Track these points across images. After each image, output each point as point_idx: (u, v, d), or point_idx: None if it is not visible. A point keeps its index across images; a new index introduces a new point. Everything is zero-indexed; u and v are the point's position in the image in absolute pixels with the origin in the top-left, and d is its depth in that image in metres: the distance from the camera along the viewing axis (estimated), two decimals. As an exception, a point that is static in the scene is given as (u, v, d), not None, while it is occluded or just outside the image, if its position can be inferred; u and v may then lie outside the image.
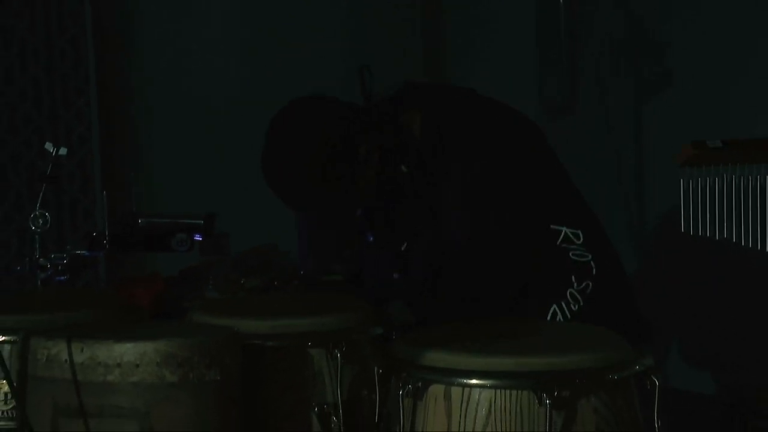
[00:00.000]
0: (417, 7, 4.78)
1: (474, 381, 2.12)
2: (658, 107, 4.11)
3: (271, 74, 4.43)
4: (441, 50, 4.82)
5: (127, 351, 2.18)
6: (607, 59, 4.28)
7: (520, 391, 2.10)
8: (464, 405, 2.12)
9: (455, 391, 2.13)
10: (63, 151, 2.89)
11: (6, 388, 2.38)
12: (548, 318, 2.63)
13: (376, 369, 2.25)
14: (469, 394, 2.12)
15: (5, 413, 2.42)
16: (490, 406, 2.11)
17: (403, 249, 2.82)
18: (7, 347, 2.37)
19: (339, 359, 2.39)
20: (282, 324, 2.47)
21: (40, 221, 2.80)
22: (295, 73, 4.43)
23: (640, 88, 4.16)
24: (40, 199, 2.83)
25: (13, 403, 2.35)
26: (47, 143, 2.89)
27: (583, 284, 2.65)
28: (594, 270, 2.65)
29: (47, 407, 2.21)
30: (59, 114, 4.26)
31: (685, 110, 3.93)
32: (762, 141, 2.36)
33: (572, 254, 2.66)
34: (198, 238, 3.15)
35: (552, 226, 2.67)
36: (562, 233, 2.67)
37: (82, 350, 2.19)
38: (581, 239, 2.66)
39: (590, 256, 2.66)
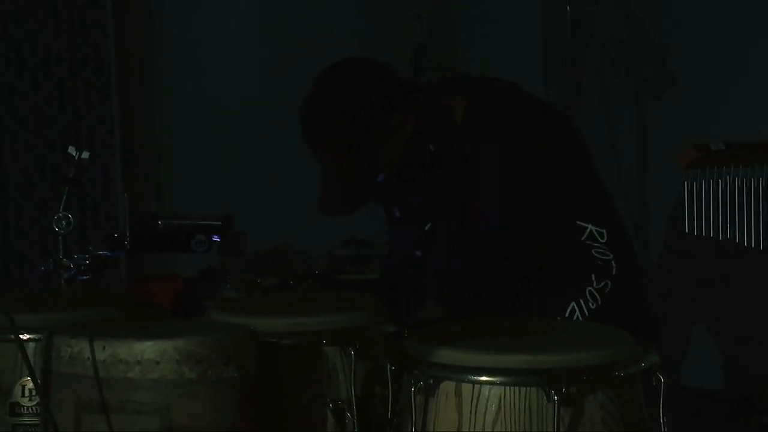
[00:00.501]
0: (425, 7, 4.76)
1: (484, 378, 2.11)
2: (660, 108, 4.10)
3: (286, 77, 4.42)
4: (448, 50, 4.81)
5: (147, 349, 2.18)
6: (610, 61, 4.26)
7: (528, 388, 2.09)
8: (474, 401, 2.11)
9: (465, 388, 2.12)
10: (85, 154, 2.88)
11: (31, 384, 2.37)
12: (566, 314, 2.62)
13: (388, 366, 2.24)
14: (479, 390, 2.11)
15: (30, 409, 2.41)
16: (500, 402, 2.10)
17: (426, 228, 2.79)
18: (31, 345, 2.36)
19: (353, 357, 2.38)
20: (297, 322, 2.46)
21: (64, 223, 2.80)
22: (308, 74, 4.42)
23: (642, 89, 4.14)
24: (63, 201, 2.82)
25: (38, 399, 2.35)
26: (70, 147, 2.88)
27: (603, 283, 2.63)
28: (614, 270, 2.63)
29: (70, 403, 2.21)
30: (82, 118, 4.25)
31: (686, 111, 3.92)
32: (764, 143, 2.35)
33: (595, 251, 2.64)
34: (216, 238, 3.14)
35: (578, 222, 2.65)
36: (588, 230, 2.65)
37: (103, 348, 2.19)
38: (605, 238, 2.64)
39: (611, 256, 2.64)
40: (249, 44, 4.47)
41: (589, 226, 2.65)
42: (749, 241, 2.31)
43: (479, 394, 2.11)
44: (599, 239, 2.64)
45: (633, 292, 2.73)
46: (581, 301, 2.62)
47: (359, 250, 3.75)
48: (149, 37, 4.40)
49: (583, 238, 2.64)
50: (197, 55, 4.41)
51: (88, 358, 2.19)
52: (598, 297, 2.62)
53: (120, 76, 4.30)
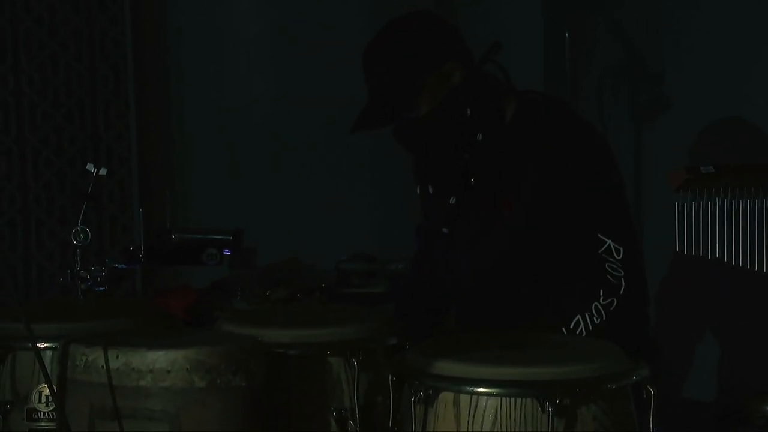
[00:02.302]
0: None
1: (481, 389, 2.10)
2: (654, 132, 4.09)
3: (299, 96, 4.43)
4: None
5: (159, 358, 2.18)
6: (607, 86, 4.26)
7: (524, 399, 2.08)
8: (472, 411, 2.11)
9: (464, 399, 2.11)
10: (103, 171, 2.88)
11: (47, 391, 2.37)
12: (571, 326, 2.61)
13: (390, 376, 2.23)
14: (477, 401, 2.10)
15: (46, 415, 2.41)
16: (496, 412, 2.09)
17: (451, 201, 2.78)
18: (48, 353, 2.37)
19: (356, 367, 2.38)
20: (303, 334, 2.46)
21: (81, 236, 2.79)
22: (320, 91, 4.42)
23: (637, 114, 4.14)
24: (81, 215, 2.82)
25: (54, 406, 2.35)
26: (89, 164, 2.88)
27: (609, 300, 2.62)
28: (622, 289, 2.63)
29: (84, 409, 2.21)
30: (101, 136, 4.26)
31: (678, 135, 3.91)
32: (752, 166, 2.34)
33: (608, 266, 2.63)
34: (227, 252, 3.14)
35: (599, 235, 2.65)
36: (607, 245, 2.64)
37: (117, 357, 2.19)
38: (621, 255, 2.64)
39: (623, 273, 2.63)
40: (264, 64, 4.47)
41: (609, 241, 2.64)
42: (737, 260, 2.30)
43: (477, 405, 2.10)
44: (615, 255, 2.63)
45: (637, 313, 2.72)
46: (587, 315, 2.61)
47: (365, 264, 3.74)
48: (166, 60, 4.41)
49: (600, 251, 2.64)
50: (213, 77, 4.42)
51: (102, 366, 2.19)
52: (603, 313, 2.62)
53: (137, 96, 4.31)
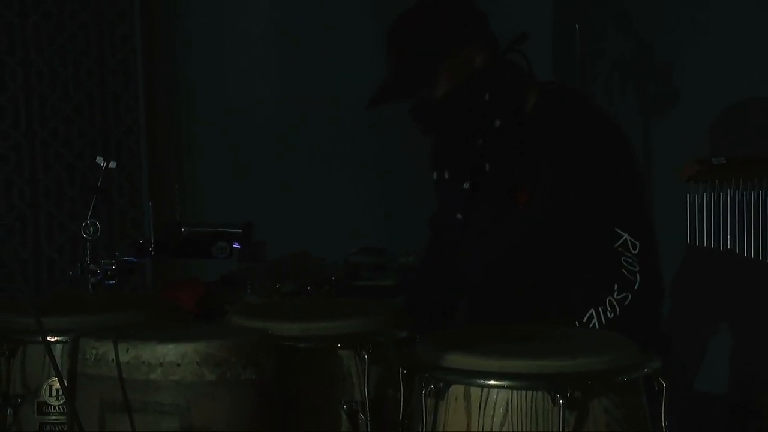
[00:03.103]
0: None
1: (492, 382, 2.09)
2: (663, 124, 4.08)
3: (307, 90, 4.42)
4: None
5: (169, 351, 2.17)
6: (617, 79, 4.25)
7: (535, 392, 2.07)
8: (483, 404, 2.09)
9: (474, 392, 2.10)
10: (113, 164, 2.87)
11: (57, 385, 2.37)
12: (584, 320, 2.60)
13: (400, 370, 2.22)
14: (488, 394, 2.09)
15: (57, 408, 2.41)
16: (507, 405, 2.08)
17: (465, 186, 2.77)
18: (59, 347, 2.36)
19: (366, 360, 2.37)
20: (313, 327, 2.45)
21: (91, 230, 2.79)
22: (328, 86, 4.42)
23: (646, 106, 4.13)
24: (91, 209, 2.81)
25: (64, 399, 2.34)
26: (98, 157, 2.87)
27: (623, 294, 2.61)
28: (637, 284, 2.61)
29: (95, 403, 2.20)
30: (110, 129, 4.26)
31: (688, 127, 3.90)
32: (763, 159, 2.33)
33: (624, 260, 2.62)
34: (237, 245, 3.13)
35: (616, 229, 2.63)
36: (623, 238, 2.63)
37: (127, 350, 2.18)
38: (637, 250, 2.62)
39: (638, 268, 2.62)
40: (272, 58, 4.47)
41: (626, 236, 2.63)
42: (748, 251, 2.30)
43: (487, 398, 2.09)
44: (632, 250, 2.62)
45: (650, 309, 2.70)
46: (600, 309, 2.60)
47: (374, 257, 3.74)
48: (174, 53, 4.41)
49: (617, 245, 2.62)
50: (221, 71, 4.41)
51: (113, 359, 2.18)
52: (617, 307, 2.60)
53: (146, 89, 4.30)
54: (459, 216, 2.80)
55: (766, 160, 2.31)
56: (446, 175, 2.82)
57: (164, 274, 4.00)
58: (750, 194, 2.30)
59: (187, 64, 4.42)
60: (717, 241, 2.30)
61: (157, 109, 4.35)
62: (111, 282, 2.86)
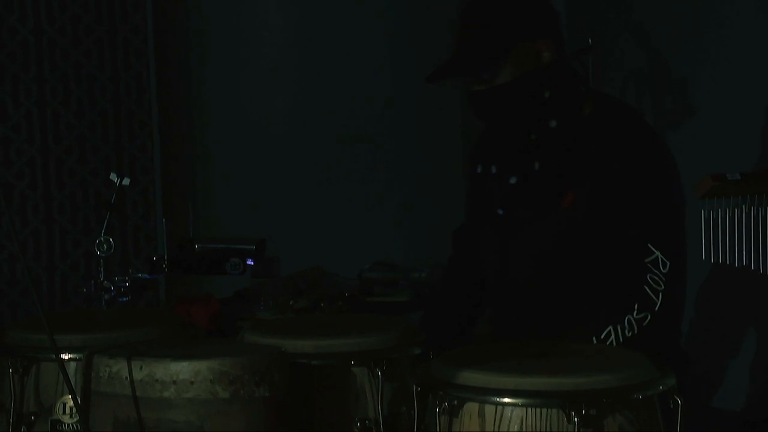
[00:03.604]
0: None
1: (506, 399, 2.08)
2: (678, 138, 4.07)
3: (318, 106, 4.42)
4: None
5: (182, 369, 2.17)
6: (631, 92, 4.24)
7: (549, 410, 2.06)
8: (497, 422, 2.09)
9: (489, 409, 2.09)
10: (126, 181, 2.88)
11: (71, 402, 2.37)
12: (602, 336, 2.60)
13: (414, 387, 2.22)
14: (502, 411, 2.08)
15: (70, 426, 2.41)
16: (522, 423, 2.07)
17: (512, 181, 2.76)
18: (72, 364, 2.36)
19: (380, 377, 2.36)
20: (327, 344, 2.44)
21: (105, 246, 2.79)
22: (340, 100, 4.42)
23: (661, 120, 4.12)
24: (105, 225, 2.82)
25: (78, 417, 2.34)
26: (112, 174, 2.88)
27: (642, 314, 2.60)
28: (658, 305, 2.61)
29: (108, 421, 2.20)
30: (124, 146, 4.27)
31: (703, 142, 3.89)
32: (778, 174, 2.32)
33: (650, 277, 2.61)
34: (250, 262, 3.13)
35: (649, 245, 2.63)
36: (654, 255, 2.63)
37: (141, 368, 2.18)
38: (666, 269, 2.62)
39: (662, 288, 2.61)
40: (287, 72, 4.47)
41: (658, 253, 2.62)
42: (765, 268, 2.28)
43: (502, 415, 2.08)
44: (662, 269, 2.61)
45: (669, 330, 2.70)
46: (618, 327, 2.60)
47: (388, 273, 3.74)
48: (188, 70, 4.42)
49: (648, 260, 2.62)
50: (235, 86, 4.42)
51: (126, 377, 2.18)
52: (635, 326, 2.60)
53: (160, 106, 4.32)
54: (500, 211, 2.79)
55: (782, 176, 2.30)
56: (493, 170, 2.80)
57: (178, 290, 4.01)
58: (766, 210, 2.28)
59: (201, 80, 4.43)
60: (733, 257, 2.28)
61: (171, 126, 4.37)
62: (125, 299, 2.86)
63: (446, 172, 4.36)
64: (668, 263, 2.62)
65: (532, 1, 2.78)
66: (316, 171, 4.41)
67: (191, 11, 4.42)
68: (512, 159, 2.76)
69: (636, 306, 2.60)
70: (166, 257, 3.09)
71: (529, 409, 2.07)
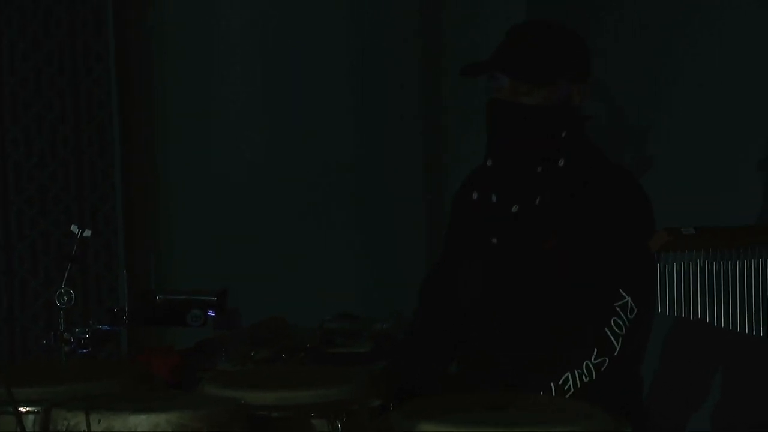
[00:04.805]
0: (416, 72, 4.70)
1: (463, 451, 2.10)
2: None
3: (282, 160, 4.44)
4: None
5: (141, 422, 2.17)
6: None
7: (507, 462, 2.08)
8: (455, 474, 2.10)
9: (447, 461, 2.11)
10: (87, 233, 2.88)
11: (29, 456, 2.36)
12: (560, 382, 2.61)
13: (374, 439, 2.23)
14: (460, 464, 2.10)
15: (28, 480, 2.39)
16: (480, 475, 2.09)
17: (513, 210, 2.79)
18: (30, 417, 2.35)
19: (340, 429, 2.37)
20: (287, 396, 2.45)
21: (65, 298, 2.79)
22: (304, 152, 4.44)
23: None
24: (65, 277, 2.82)
25: (36, 471, 2.33)
26: (73, 225, 2.89)
27: (600, 360, 2.63)
28: (617, 350, 2.63)
29: (67, 474, 2.19)
30: (86, 196, 4.27)
31: (661, 195, 3.93)
32: (732, 229, 2.36)
33: (614, 321, 2.64)
34: (211, 313, 3.14)
35: (620, 290, 2.67)
36: (625, 300, 2.65)
37: (99, 421, 2.18)
38: (633, 314, 2.65)
39: (623, 332, 2.64)
40: (252, 126, 4.49)
41: (628, 298, 2.66)
42: (719, 321, 2.32)
43: (460, 467, 2.10)
44: (629, 314, 2.64)
45: (628, 379, 2.72)
46: (576, 372, 2.62)
47: (349, 323, 3.74)
48: (152, 121, 4.43)
49: (617, 304, 2.65)
50: (198, 139, 4.44)
51: (84, 431, 2.18)
52: (593, 372, 2.62)
53: (123, 157, 4.32)
54: (494, 240, 2.82)
55: (735, 231, 2.34)
56: (493, 198, 2.83)
57: (139, 342, 3.99)
58: (719, 264, 2.32)
59: (165, 131, 4.44)
60: (688, 310, 2.32)
61: (134, 176, 4.37)
62: (85, 350, 2.86)
63: (407, 226, 4.40)
64: (636, 310, 2.65)
65: (585, 45, 2.86)
66: (278, 222, 4.42)
67: (156, 63, 4.43)
68: (516, 188, 2.80)
69: (595, 351, 2.63)
70: (127, 309, 3.09)
71: (487, 462, 2.09)
